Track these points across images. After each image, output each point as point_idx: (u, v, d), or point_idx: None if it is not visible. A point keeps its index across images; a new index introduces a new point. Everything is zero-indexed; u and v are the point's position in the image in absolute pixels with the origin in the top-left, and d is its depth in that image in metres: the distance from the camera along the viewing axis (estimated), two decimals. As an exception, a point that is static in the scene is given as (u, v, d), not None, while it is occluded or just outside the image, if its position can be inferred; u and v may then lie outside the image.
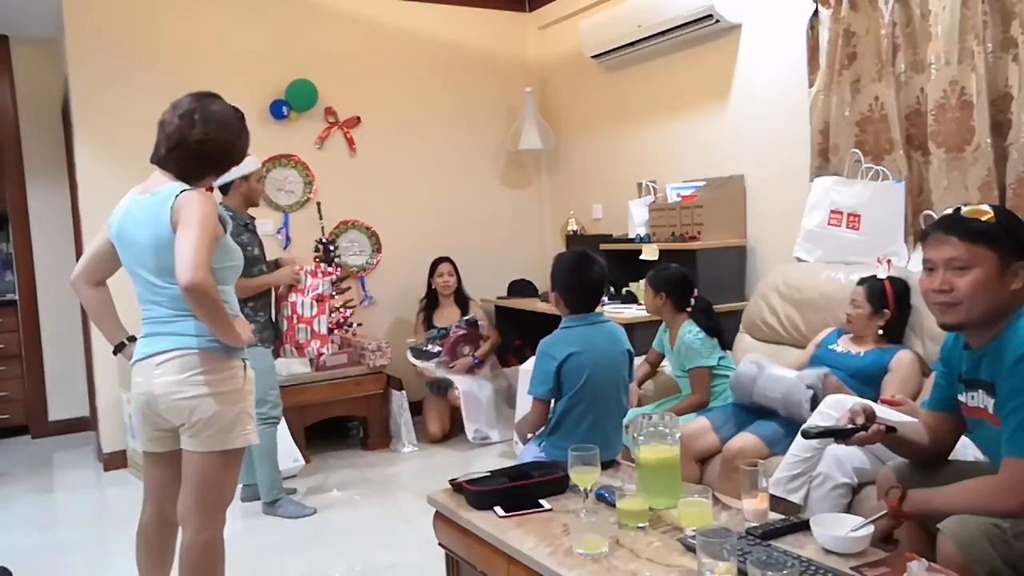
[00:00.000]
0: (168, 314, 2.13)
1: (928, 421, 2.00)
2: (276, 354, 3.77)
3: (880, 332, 2.88)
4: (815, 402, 2.66)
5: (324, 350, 3.86)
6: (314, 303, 3.76)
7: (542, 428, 2.62)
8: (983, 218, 1.74)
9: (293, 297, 3.72)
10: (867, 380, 2.77)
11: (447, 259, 4.92)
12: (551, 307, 2.77)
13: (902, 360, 2.77)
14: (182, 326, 2.11)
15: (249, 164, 3.48)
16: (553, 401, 2.62)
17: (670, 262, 3.52)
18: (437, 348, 4.72)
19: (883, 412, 2.41)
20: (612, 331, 2.67)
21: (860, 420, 1.87)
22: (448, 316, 4.86)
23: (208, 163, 2.21)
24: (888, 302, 2.85)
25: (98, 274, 2.29)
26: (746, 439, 2.77)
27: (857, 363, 2.84)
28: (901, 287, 2.89)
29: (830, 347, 2.98)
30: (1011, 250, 1.73)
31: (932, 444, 1.97)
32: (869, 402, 2.08)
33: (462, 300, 4.95)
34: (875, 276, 2.93)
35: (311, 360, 4.00)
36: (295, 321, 3.72)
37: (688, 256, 3.82)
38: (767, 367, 2.90)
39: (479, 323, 4.85)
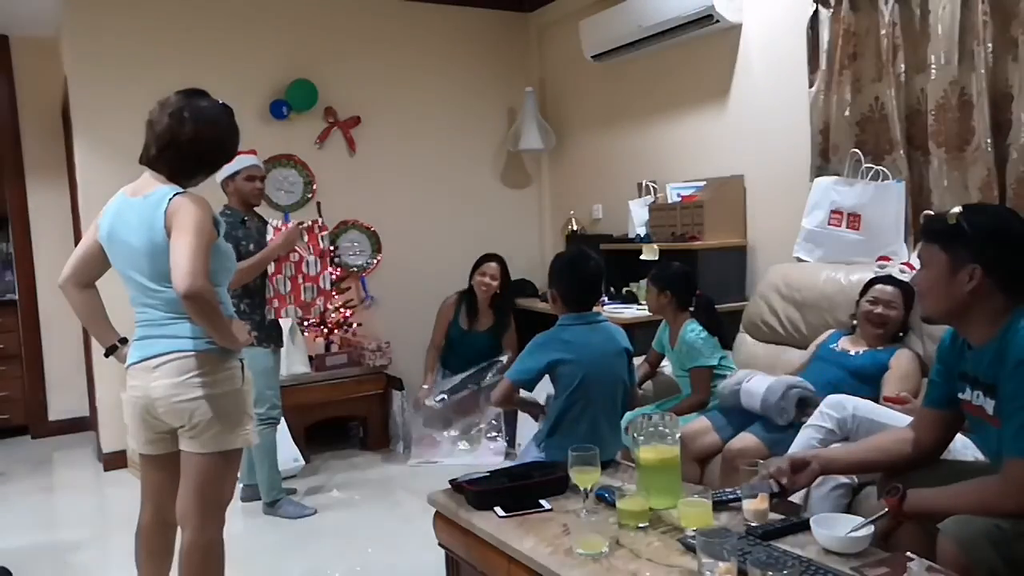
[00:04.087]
0: (163, 316, 2.12)
1: (924, 418, 2.01)
2: (280, 339, 3.71)
3: (902, 334, 2.89)
4: (802, 403, 2.69)
5: (329, 305, 3.83)
6: (317, 259, 3.72)
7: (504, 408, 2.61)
8: (950, 220, 1.78)
9: (295, 256, 3.63)
10: (866, 379, 2.77)
11: (495, 257, 4.42)
12: (551, 307, 2.77)
13: (901, 357, 2.77)
14: (177, 328, 2.11)
15: (234, 163, 3.42)
16: (551, 400, 2.64)
17: (670, 262, 3.51)
18: (442, 396, 4.31)
19: (883, 412, 2.43)
20: (609, 330, 2.68)
21: (782, 481, 1.93)
22: (480, 323, 4.46)
23: (200, 162, 2.18)
24: (908, 306, 2.85)
25: (87, 276, 2.26)
26: (747, 439, 2.76)
27: (856, 362, 2.84)
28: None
29: (830, 346, 2.99)
30: (963, 252, 1.76)
31: (915, 449, 1.98)
32: (794, 456, 2.04)
33: (501, 311, 4.45)
34: (891, 276, 2.91)
35: (311, 322, 3.90)
36: (300, 280, 3.65)
37: (688, 256, 3.82)
38: (744, 382, 2.88)
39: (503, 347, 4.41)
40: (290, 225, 3.68)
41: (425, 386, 4.42)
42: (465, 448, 4.34)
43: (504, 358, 4.35)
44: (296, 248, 3.63)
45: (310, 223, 3.77)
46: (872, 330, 2.88)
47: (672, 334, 3.35)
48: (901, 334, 2.90)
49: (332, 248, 4.67)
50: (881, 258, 3.20)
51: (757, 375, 2.91)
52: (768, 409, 2.74)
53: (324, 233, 3.79)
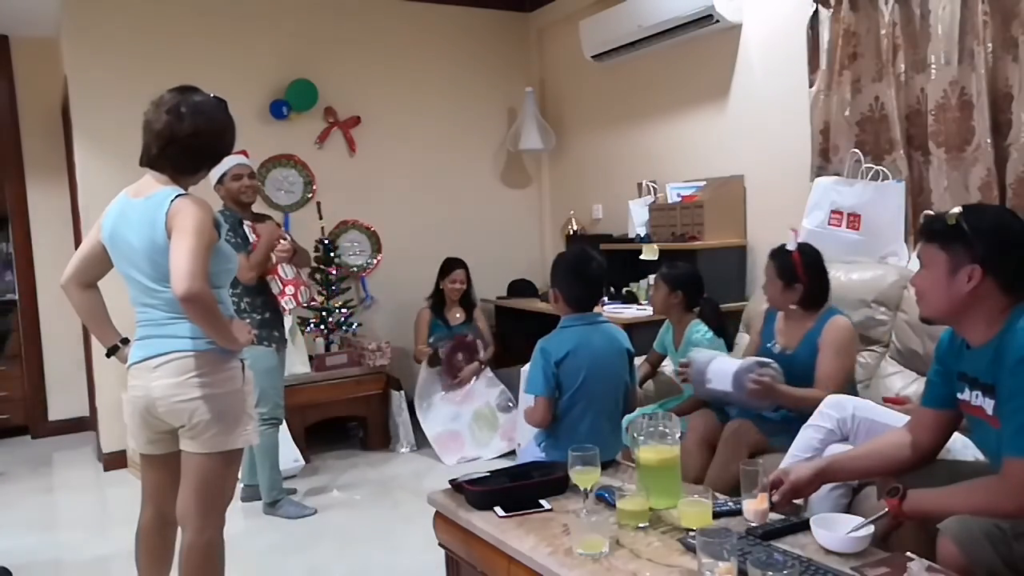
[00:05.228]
0: (164, 316, 2.12)
1: (922, 418, 2.01)
2: (283, 338, 3.68)
3: (794, 307, 2.80)
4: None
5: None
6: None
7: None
8: (949, 221, 1.77)
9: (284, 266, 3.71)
10: (804, 368, 2.73)
11: (461, 264, 4.75)
12: (551, 307, 2.77)
13: (827, 334, 2.70)
14: (178, 328, 2.11)
15: (219, 165, 3.44)
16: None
17: (678, 261, 3.50)
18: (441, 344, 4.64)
19: (882, 411, 2.43)
20: (610, 331, 2.68)
21: (777, 500, 1.93)
22: (452, 318, 4.78)
23: (200, 157, 2.18)
24: (798, 275, 2.77)
25: (89, 276, 2.26)
26: (744, 422, 2.76)
27: (788, 360, 2.78)
28: (811, 257, 2.80)
29: (767, 345, 2.93)
30: (963, 252, 1.75)
31: (913, 452, 1.98)
32: (790, 468, 2.03)
33: (468, 304, 4.84)
34: (785, 247, 2.84)
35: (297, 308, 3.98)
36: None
37: (688, 256, 3.82)
38: (712, 361, 2.81)
39: (479, 331, 4.78)
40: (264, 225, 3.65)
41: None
42: (484, 431, 4.46)
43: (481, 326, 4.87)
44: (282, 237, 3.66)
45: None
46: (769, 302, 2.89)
47: (677, 335, 3.35)
48: (816, 303, 2.79)
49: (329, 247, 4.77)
50: (793, 230, 3.12)
51: (717, 357, 2.83)
52: (739, 380, 2.67)
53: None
